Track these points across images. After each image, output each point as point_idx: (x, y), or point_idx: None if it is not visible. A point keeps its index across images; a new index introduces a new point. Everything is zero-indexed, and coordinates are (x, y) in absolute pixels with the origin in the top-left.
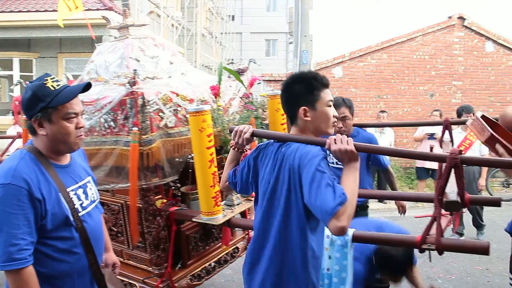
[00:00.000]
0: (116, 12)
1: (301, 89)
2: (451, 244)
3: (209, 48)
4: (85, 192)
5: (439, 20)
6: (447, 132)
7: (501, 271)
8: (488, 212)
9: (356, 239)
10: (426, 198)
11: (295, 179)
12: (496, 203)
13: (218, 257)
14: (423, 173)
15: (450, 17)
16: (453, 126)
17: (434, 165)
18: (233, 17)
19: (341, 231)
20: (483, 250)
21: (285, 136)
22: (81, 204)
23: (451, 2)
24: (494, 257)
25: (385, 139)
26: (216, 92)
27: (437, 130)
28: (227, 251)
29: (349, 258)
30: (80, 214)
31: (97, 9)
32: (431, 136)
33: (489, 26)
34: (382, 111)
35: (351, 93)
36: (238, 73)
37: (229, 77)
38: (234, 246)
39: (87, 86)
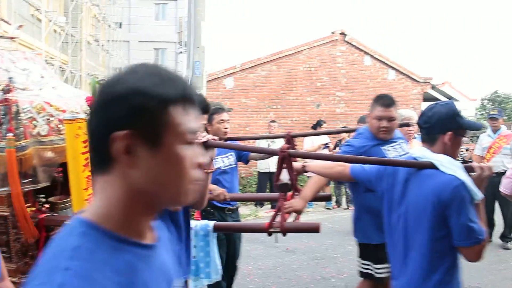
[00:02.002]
0: None
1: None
2: (291, 227)
3: (95, 56)
4: None
5: (324, 35)
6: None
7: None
8: None
9: (216, 229)
10: (273, 198)
11: None
12: (327, 198)
13: None
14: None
15: (333, 33)
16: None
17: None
18: (120, 24)
19: None
20: (315, 229)
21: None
22: None
23: (334, 18)
24: None
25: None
26: (91, 102)
27: (329, 139)
28: None
29: (212, 245)
30: None
31: None
32: (326, 146)
33: (367, 42)
34: (273, 121)
35: (242, 103)
36: None
37: None
38: None
39: None
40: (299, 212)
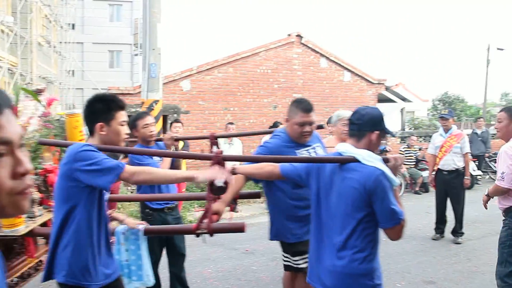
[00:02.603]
0: None
1: (100, 108)
2: (218, 228)
3: (47, 58)
4: None
5: (280, 37)
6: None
7: None
8: None
9: (147, 232)
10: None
11: None
12: (256, 195)
13: (21, 271)
14: None
15: (289, 35)
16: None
17: None
18: (73, 25)
19: None
20: (241, 229)
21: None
22: None
23: (290, 20)
24: None
25: (234, 149)
26: (14, 111)
27: None
28: (30, 265)
29: (143, 248)
30: None
31: None
32: None
33: (323, 44)
34: (230, 123)
35: (199, 106)
36: (36, 93)
37: (26, 96)
38: (38, 260)
39: None
40: (219, 213)
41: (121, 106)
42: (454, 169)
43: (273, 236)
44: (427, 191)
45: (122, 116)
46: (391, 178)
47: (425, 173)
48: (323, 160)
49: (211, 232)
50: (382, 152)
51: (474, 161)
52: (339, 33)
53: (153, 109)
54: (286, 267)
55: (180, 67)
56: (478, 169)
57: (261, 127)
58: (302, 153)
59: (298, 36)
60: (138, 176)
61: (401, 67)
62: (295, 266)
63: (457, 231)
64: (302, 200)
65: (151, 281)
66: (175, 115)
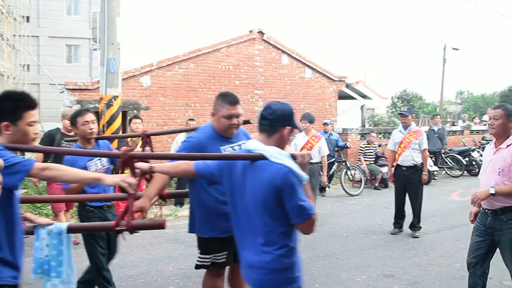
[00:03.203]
0: None
1: (8, 106)
2: (137, 225)
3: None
4: None
5: (242, 33)
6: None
7: (304, 259)
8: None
9: (70, 230)
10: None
11: None
12: (186, 194)
13: None
14: None
15: (251, 31)
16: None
17: None
18: (27, 18)
19: None
20: (161, 226)
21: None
22: None
23: (252, 17)
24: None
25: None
26: None
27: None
28: None
29: (65, 244)
30: None
31: None
32: None
33: (285, 41)
34: (191, 119)
35: (160, 102)
36: None
37: None
38: None
39: None
40: (144, 210)
41: (31, 106)
42: (412, 165)
43: (192, 229)
44: (386, 186)
45: (32, 116)
46: (299, 174)
47: (384, 169)
48: (231, 158)
49: (131, 229)
50: (343, 148)
51: (431, 157)
52: (300, 30)
53: (112, 105)
54: (200, 267)
55: (140, 62)
56: (435, 165)
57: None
58: (227, 149)
59: (260, 32)
60: (48, 173)
61: (361, 65)
62: (198, 263)
63: (415, 226)
64: (224, 196)
65: (72, 281)
66: (135, 111)
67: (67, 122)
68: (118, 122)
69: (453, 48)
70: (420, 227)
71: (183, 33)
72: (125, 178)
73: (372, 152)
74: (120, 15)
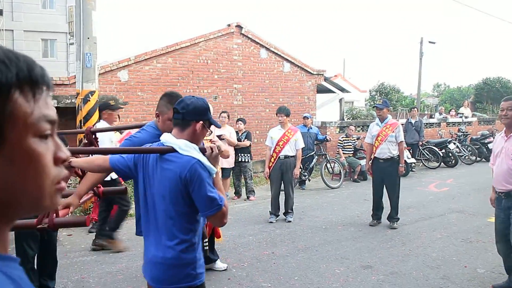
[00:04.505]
0: None
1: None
2: (60, 222)
3: None
4: None
5: (220, 27)
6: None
7: (284, 252)
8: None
9: None
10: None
11: None
12: (122, 191)
13: None
14: (225, 172)
15: (229, 25)
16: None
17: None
18: (1, 11)
19: None
20: (83, 223)
21: None
22: None
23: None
24: (278, 241)
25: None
26: None
27: (225, 131)
28: None
29: None
30: None
31: None
32: (219, 137)
33: (263, 35)
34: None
35: (138, 96)
36: None
37: None
38: None
39: None
40: (70, 206)
41: None
42: (389, 157)
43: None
44: (365, 179)
45: None
46: (208, 166)
47: (363, 162)
48: (142, 151)
49: (53, 227)
50: (323, 141)
51: (409, 150)
52: (279, 24)
53: (89, 101)
54: None
55: (117, 57)
56: (412, 157)
57: None
58: None
59: (238, 26)
60: None
61: (340, 59)
62: None
63: (393, 217)
64: None
65: None
66: None
67: None
68: (95, 117)
69: (430, 42)
70: (398, 219)
71: (161, 27)
72: None
73: (351, 145)
74: (96, 9)
